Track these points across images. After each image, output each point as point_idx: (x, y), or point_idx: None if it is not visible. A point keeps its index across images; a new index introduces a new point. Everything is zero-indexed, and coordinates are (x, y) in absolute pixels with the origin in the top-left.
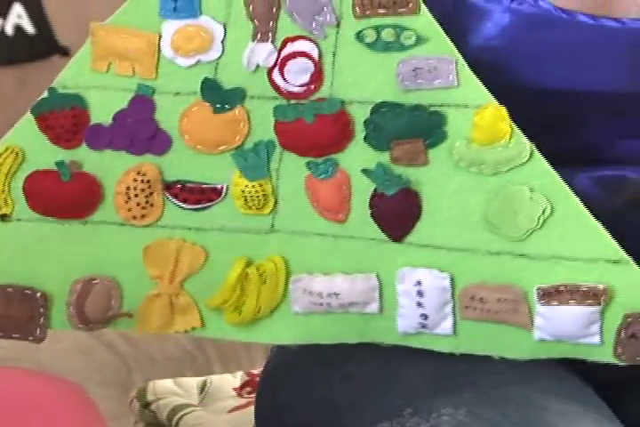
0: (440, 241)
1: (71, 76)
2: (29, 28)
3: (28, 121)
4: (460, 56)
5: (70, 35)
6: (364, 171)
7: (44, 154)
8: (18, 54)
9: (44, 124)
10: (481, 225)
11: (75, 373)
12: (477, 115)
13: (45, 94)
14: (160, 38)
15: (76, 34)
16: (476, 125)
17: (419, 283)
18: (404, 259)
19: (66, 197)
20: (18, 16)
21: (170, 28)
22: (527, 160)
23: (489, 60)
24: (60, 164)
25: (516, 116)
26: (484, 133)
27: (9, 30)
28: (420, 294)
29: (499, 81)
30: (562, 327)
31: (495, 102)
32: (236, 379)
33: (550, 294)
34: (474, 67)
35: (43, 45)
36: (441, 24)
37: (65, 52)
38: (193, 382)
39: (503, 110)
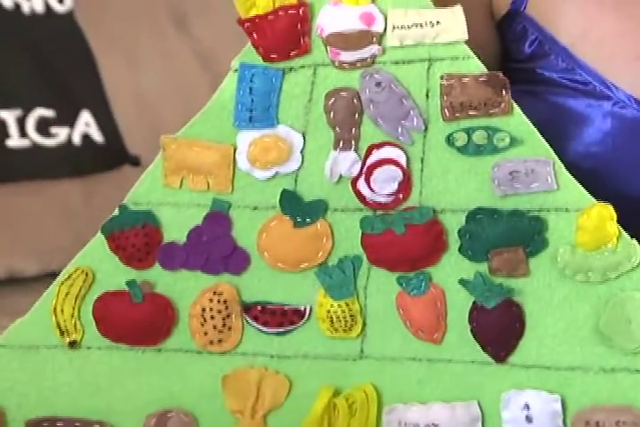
0: (547, 360)
1: (143, 192)
2: (98, 136)
3: (98, 241)
4: (556, 158)
5: (141, 143)
6: (462, 281)
7: (115, 275)
8: (85, 165)
9: (114, 245)
10: (592, 339)
11: None
12: (583, 215)
13: (116, 212)
14: (235, 150)
15: (146, 142)
16: (581, 228)
17: (526, 407)
18: (509, 382)
19: (138, 321)
20: (86, 124)
21: (245, 138)
22: (638, 264)
23: (590, 167)
24: (131, 284)
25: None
26: (590, 236)
27: (76, 140)
28: (528, 419)
29: (600, 188)
30: None
31: (599, 202)
32: None
33: None
34: (574, 174)
35: (112, 155)
36: (537, 130)
37: (135, 162)
38: None
39: (611, 209)
